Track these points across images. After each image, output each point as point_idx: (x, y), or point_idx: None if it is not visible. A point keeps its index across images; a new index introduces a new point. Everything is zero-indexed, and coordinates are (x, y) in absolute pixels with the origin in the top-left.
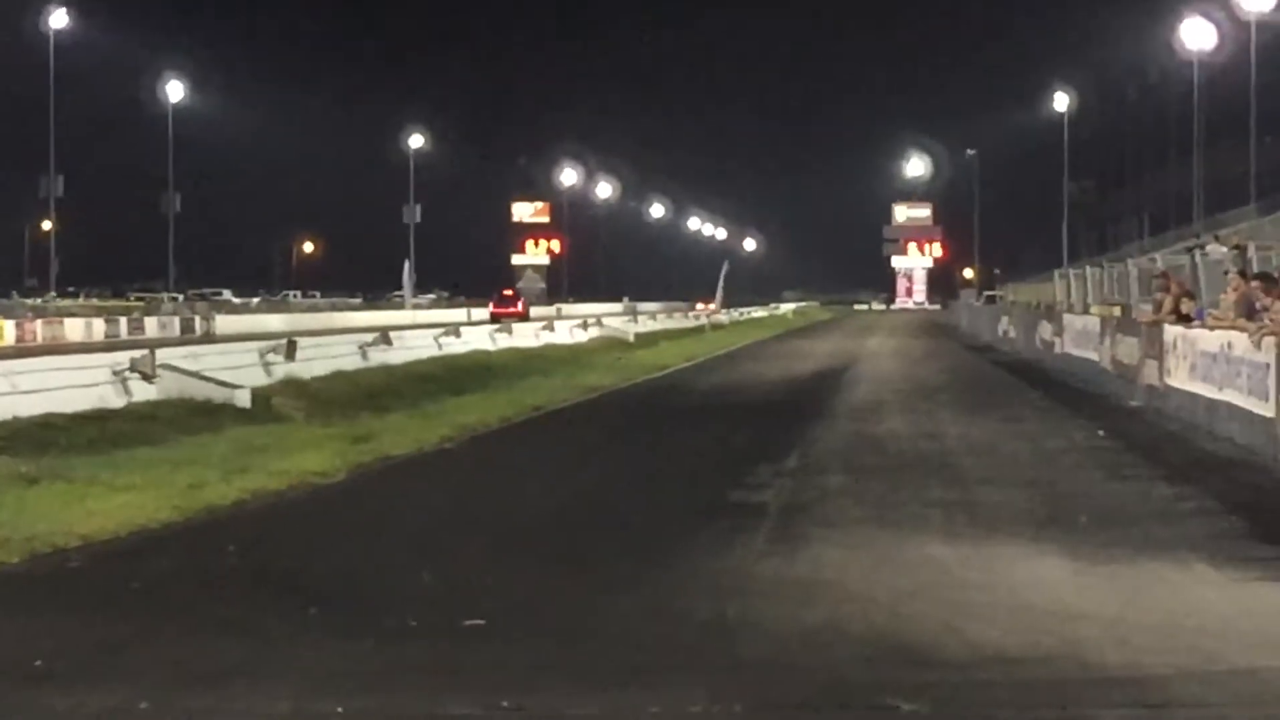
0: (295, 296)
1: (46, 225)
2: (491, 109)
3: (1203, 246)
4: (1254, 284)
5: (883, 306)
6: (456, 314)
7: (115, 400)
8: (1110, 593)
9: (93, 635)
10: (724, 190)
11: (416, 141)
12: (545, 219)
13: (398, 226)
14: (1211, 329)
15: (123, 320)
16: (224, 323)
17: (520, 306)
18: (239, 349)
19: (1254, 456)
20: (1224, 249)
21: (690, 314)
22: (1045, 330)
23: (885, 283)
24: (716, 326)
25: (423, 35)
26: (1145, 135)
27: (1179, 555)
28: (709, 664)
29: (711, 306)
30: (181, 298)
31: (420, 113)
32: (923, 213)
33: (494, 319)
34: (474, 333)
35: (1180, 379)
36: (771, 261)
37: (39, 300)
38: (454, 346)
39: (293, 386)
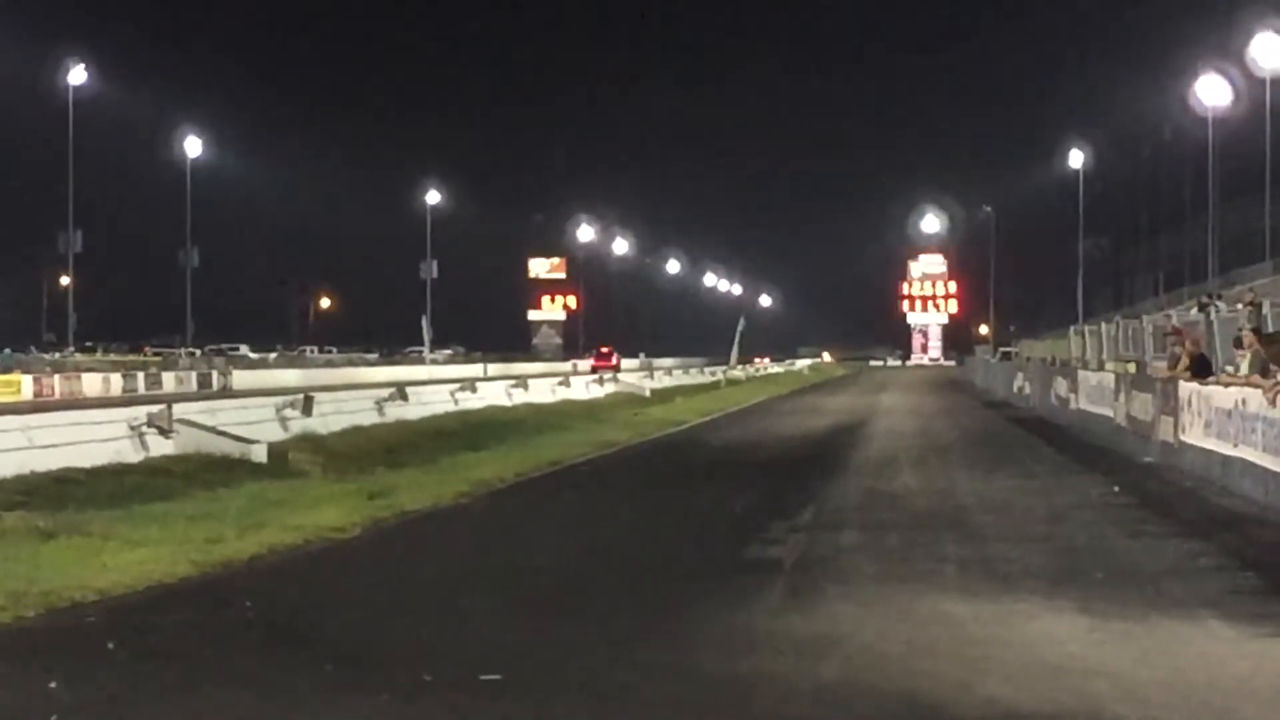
0: (312, 352)
1: (65, 280)
2: (508, 165)
3: (1216, 304)
4: (1258, 347)
5: (898, 363)
6: (473, 369)
7: (132, 455)
8: (1124, 649)
9: (109, 690)
10: (740, 246)
11: (433, 197)
12: (561, 275)
13: (414, 282)
14: (1226, 386)
15: (140, 375)
16: (241, 378)
17: (614, 361)
18: (256, 404)
19: (1268, 513)
20: (1238, 306)
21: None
22: (1060, 386)
23: (901, 339)
24: (732, 382)
25: (439, 91)
26: (1160, 192)
27: (1193, 612)
28: (723, 719)
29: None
30: (199, 353)
31: (437, 168)
32: (938, 269)
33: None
34: (490, 388)
35: (1195, 435)
36: (787, 318)
37: (57, 355)
38: (470, 402)
39: (309, 441)
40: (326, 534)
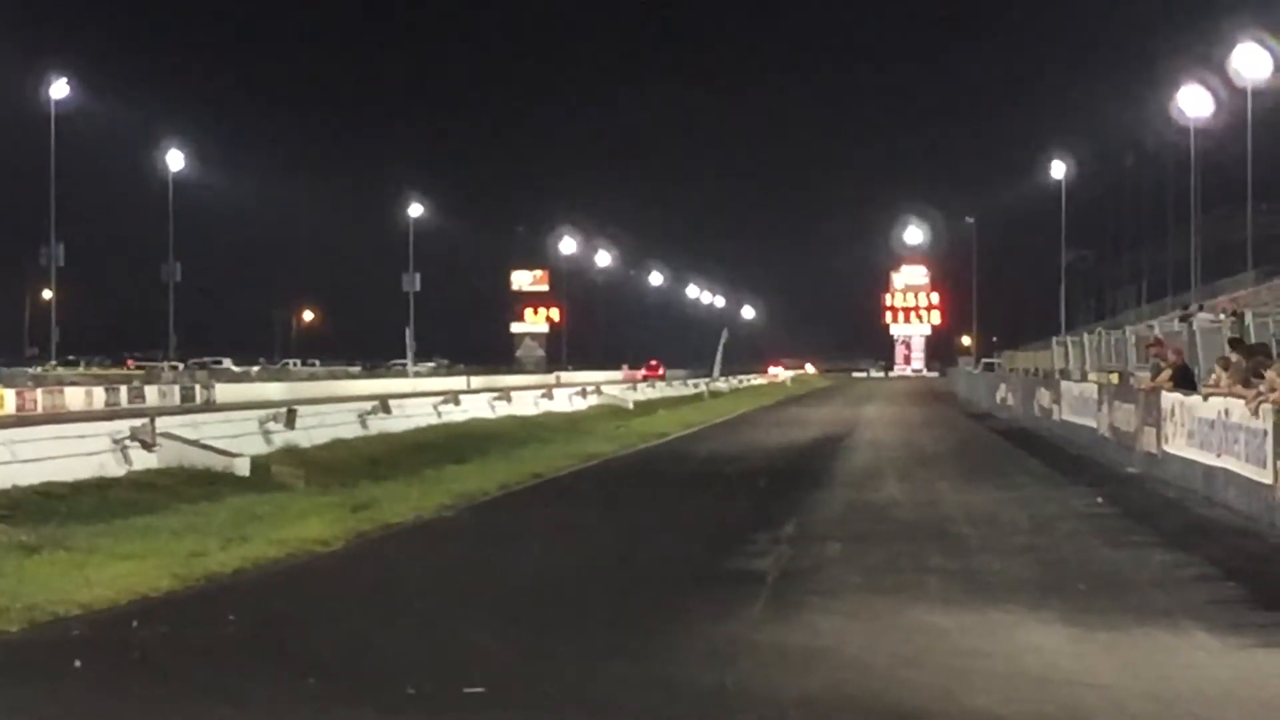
0: (295, 365)
1: (47, 294)
2: (491, 178)
3: (1198, 315)
4: (1240, 359)
5: (881, 374)
6: (456, 382)
7: (115, 469)
8: (1108, 660)
9: (93, 704)
10: (722, 258)
11: (416, 210)
12: (544, 287)
13: (397, 295)
14: (1206, 397)
15: (123, 389)
16: (224, 391)
17: (660, 371)
18: (239, 417)
19: (1251, 523)
20: (1220, 316)
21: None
22: (1043, 397)
23: (884, 350)
24: (715, 394)
25: (421, 104)
26: (1143, 203)
27: (1177, 622)
28: None
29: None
30: (181, 366)
31: (419, 181)
32: (921, 280)
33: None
34: (473, 400)
35: (1178, 445)
36: (770, 329)
37: (40, 369)
38: (453, 414)
39: (292, 455)
40: (310, 547)
